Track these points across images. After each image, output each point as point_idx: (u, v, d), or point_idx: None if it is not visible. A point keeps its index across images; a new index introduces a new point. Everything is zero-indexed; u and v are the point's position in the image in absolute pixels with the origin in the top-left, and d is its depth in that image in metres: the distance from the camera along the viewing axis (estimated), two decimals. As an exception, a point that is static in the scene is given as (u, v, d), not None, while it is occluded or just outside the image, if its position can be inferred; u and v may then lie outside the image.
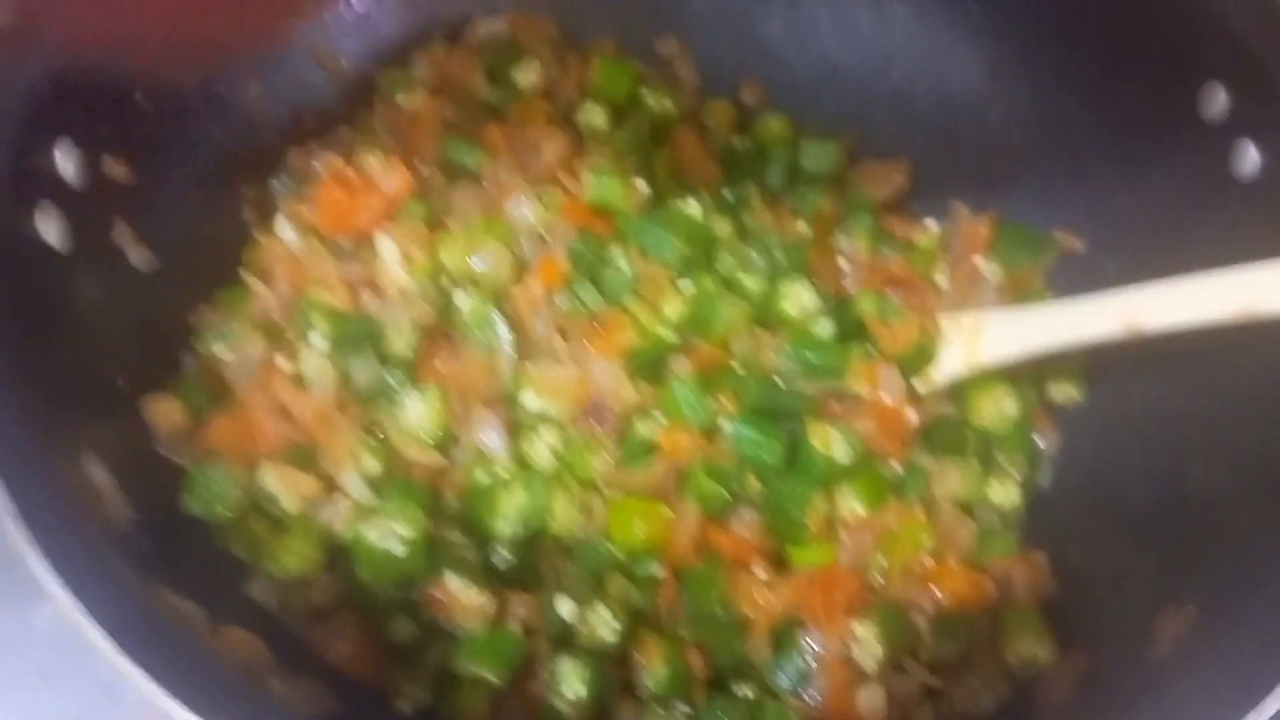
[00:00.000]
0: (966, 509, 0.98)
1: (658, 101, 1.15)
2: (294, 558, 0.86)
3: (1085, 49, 1.04)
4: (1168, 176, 1.00)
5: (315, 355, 0.93)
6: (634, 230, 0.99)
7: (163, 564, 0.75)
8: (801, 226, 1.11)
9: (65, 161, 0.85)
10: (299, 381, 0.93)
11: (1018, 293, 1.08)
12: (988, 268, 1.09)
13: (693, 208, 1.02)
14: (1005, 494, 0.99)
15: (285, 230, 1.00)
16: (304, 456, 0.90)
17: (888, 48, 1.18)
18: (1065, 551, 0.95)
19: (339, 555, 0.88)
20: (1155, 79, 0.98)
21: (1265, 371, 0.87)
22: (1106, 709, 0.78)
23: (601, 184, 1.00)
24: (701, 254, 1.01)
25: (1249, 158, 0.90)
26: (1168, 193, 1.00)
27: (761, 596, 0.89)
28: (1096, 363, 1.04)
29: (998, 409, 1.01)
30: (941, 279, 1.10)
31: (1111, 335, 0.89)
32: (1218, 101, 0.92)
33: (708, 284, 0.99)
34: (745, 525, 0.93)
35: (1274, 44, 0.90)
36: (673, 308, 0.96)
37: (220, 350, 0.94)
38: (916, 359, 0.98)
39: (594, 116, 1.12)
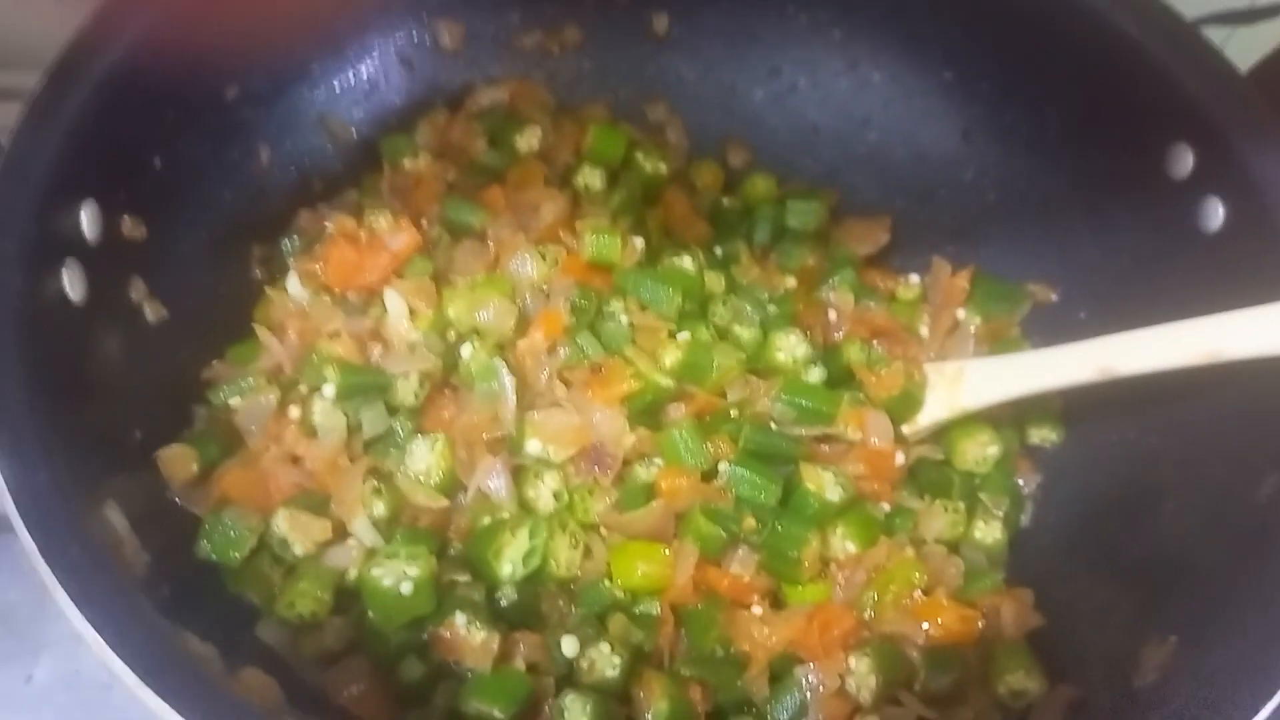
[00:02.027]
0: (953, 547, 1.02)
1: (650, 164, 1.21)
2: (306, 601, 0.89)
3: (1053, 113, 1.11)
4: (1136, 231, 1.06)
5: (326, 405, 0.96)
6: (633, 284, 1.04)
7: (180, 608, 0.77)
8: (789, 281, 1.17)
9: (88, 222, 0.88)
10: (309, 431, 0.96)
11: (995, 341, 1.13)
12: (967, 318, 1.15)
13: (687, 263, 1.07)
14: (989, 533, 1.04)
15: (295, 287, 1.04)
16: (315, 502, 0.92)
17: (865, 111, 1.25)
18: (1050, 587, 0.98)
19: (349, 598, 0.91)
20: (1121, 141, 1.05)
21: (1232, 412, 0.92)
22: (1096, 737, 0.81)
23: (600, 241, 1.05)
24: (696, 306, 1.06)
25: (1214, 213, 0.96)
26: (1136, 246, 1.06)
27: (759, 633, 0.92)
28: (1073, 407, 1.09)
29: (981, 452, 1.06)
30: (923, 329, 1.15)
31: (1086, 380, 0.94)
32: (1184, 162, 0.98)
33: (703, 334, 1.04)
34: (742, 565, 0.96)
35: (1229, 109, 0.96)
36: (670, 357, 1.01)
37: (232, 402, 0.97)
38: (903, 405, 1.03)
39: (591, 178, 1.17)
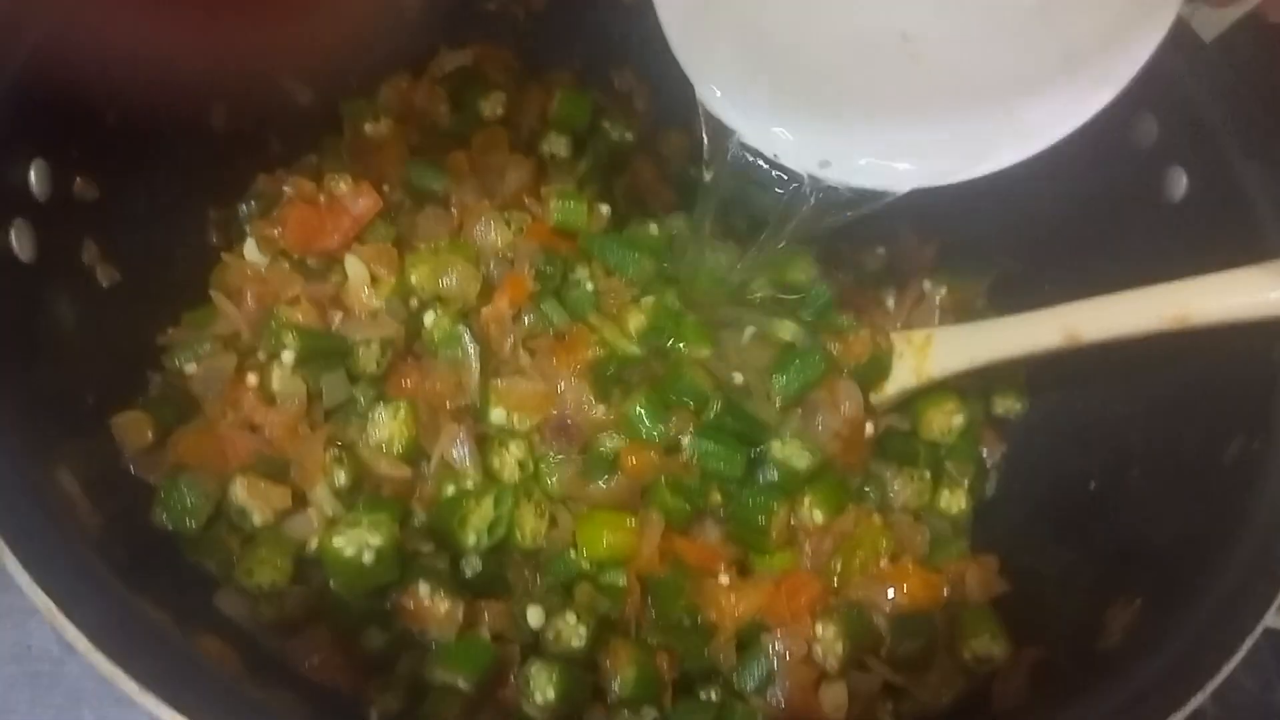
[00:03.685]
0: (919, 516, 1.02)
1: (617, 131, 1.19)
2: (265, 570, 0.87)
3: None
4: (1102, 201, 1.06)
5: (285, 372, 0.94)
6: (600, 249, 1.02)
7: (136, 574, 0.75)
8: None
9: (37, 180, 0.85)
10: (268, 398, 0.94)
11: (961, 312, 1.13)
12: (932, 289, 1.15)
13: (654, 229, 1.06)
14: (955, 502, 1.04)
15: (253, 251, 1.02)
16: (274, 470, 0.91)
17: (833, 81, 1.23)
18: (1015, 554, 0.99)
19: (310, 567, 0.89)
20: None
21: (1197, 379, 0.92)
22: (1061, 699, 0.80)
23: (566, 207, 1.04)
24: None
25: (1178, 182, 0.96)
26: (1102, 216, 1.06)
27: (726, 602, 0.91)
28: (1037, 377, 1.09)
29: (946, 422, 1.06)
30: (889, 300, 1.15)
31: (1052, 346, 0.93)
32: (1149, 131, 0.98)
33: (669, 299, 1.02)
34: (710, 533, 0.95)
35: (1195, 76, 0.97)
36: (636, 322, 0.99)
37: (188, 368, 0.95)
38: (871, 372, 1.02)
39: (556, 145, 1.16)
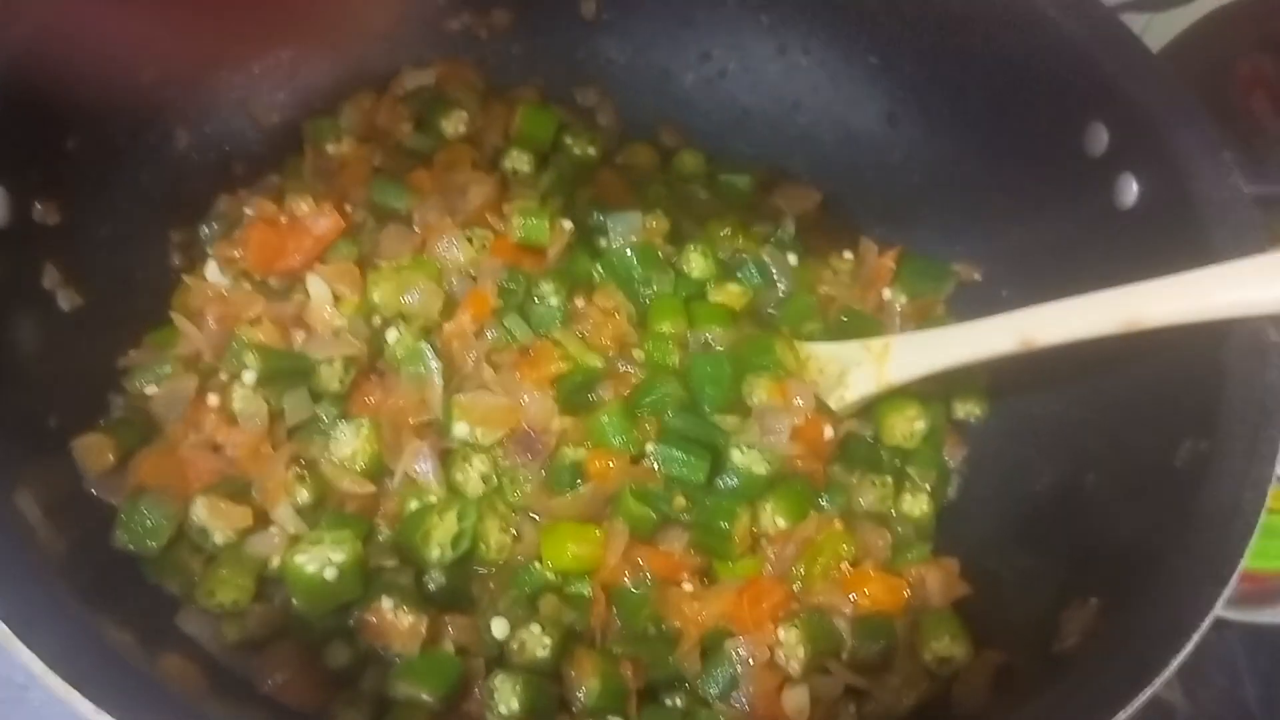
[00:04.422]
0: (881, 520, 1.03)
1: (580, 147, 1.21)
2: (227, 589, 0.87)
3: (975, 96, 1.13)
4: (1055, 210, 1.07)
5: (246, 392, 0.94)
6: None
7: (99, 595, 0.76)
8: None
9: (-2, 205, 0.86)
10: (229, 417, 0.94)
11: (921, 320, 1.15)
12: (893, 297, 1.16)
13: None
14: (916, 505, 1.04)
15: (214, 273, 1.02)
16: (235, 489, 0.91)
17: (795, 94, 1.26)
18: (976, 557, 1.00)
19: (273, 585, 0.89)
20: (1040, 122, 1.07)
21: (1149, 383, 0.94)
22: (1020, 700, 0.82)
23: (529, 223, 1.05)
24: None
25: (1129, 189, 0.98)
26: (1056, 224, 1.08)
27: (690, 609, 0.92)
28: (998, 382, 1.10)
29: (908, 427, 1.07)
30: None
31: (1008, 351, 0.95)
32: (1100, 140, 1.00)
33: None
34: (674, 543, 0.95)
35: (1142, 88, 0.99)
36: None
37: (149, 390, 0.95)
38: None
39: (519, 162, 1.17)
